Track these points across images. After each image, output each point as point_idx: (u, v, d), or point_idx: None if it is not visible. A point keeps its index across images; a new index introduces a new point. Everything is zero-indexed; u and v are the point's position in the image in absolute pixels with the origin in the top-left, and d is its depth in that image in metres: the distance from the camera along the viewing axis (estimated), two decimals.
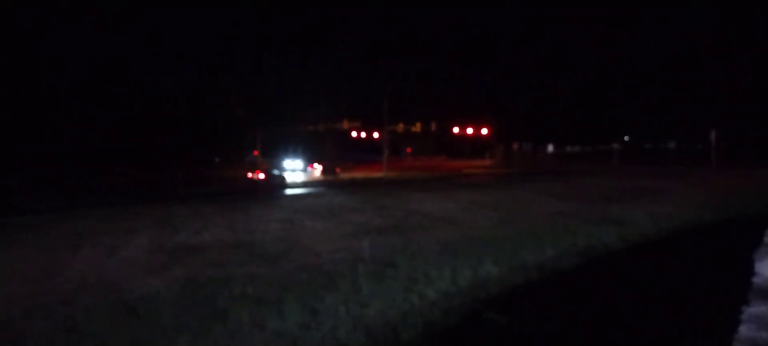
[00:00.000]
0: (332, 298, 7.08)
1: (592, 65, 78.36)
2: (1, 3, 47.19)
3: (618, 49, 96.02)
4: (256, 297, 7.08)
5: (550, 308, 7.57)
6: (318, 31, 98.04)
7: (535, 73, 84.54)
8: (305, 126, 62.04)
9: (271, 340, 5.96)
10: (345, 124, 58.34)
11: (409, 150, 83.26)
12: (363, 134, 60.05)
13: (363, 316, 6.55)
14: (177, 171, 33.11)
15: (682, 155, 51.23)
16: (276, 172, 39.37)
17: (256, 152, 52.39)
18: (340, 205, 15.45)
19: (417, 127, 57.56)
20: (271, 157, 48.49)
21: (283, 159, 45.88)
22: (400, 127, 57.51)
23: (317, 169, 48.40)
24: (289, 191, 25.73)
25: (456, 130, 68.23)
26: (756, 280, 8.56)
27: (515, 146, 70.82)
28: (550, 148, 63.03)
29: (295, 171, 40.01)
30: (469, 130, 66.77)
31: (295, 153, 50.95)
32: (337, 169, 49.13)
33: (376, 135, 56.39)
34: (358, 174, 47.17)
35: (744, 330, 6.26)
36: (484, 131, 67.82)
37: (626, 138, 75.55)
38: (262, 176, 37.42)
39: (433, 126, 57.68)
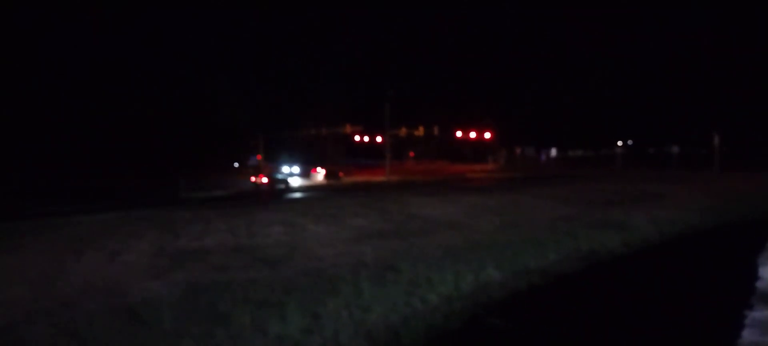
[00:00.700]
0: (334, 302, 7.06)
1: (595, 70, 78.34)
2: (1, 4, 47.41)
3: (621, 53, 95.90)
4: (258, 301, 7.06)
5: (553, 313, 7.55)
6: (320, 35, 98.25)
7: (538, 77, 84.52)
8: (308, 130, 62.08)
9: (273, 344, 5.95)
10: (347, 129, 58.36)
11: (411, 154, 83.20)
12: (365, 138, 60.05)
13: (365, 320, 6.53)
14: (179, 175, 33.16)
15: (685, 159, 51.12)
16: (279, 176, 39.48)
17: (259, 156, 52.47)
18: (342, 209, 15.43)
19: (419, 131, 57.53)
20: (272, 162, 48.43)
21: (279, 164, 45.89)
22: (403, 131, 57.48)
23: (320, 174, 48.45)
24: (291, 195, 25.73)
25: (458, 134, 68.18)
26: (759, 284, 8.52)
27: (518, 150, 70.72)
28: (553, 152, 62.93)
29: (291, 176, 40.06)
30: (472, 134, 66.71)
31: (291, 158, 50.78)
32: (340, 174, 49.15)
33: (378, 139, 56.38)
34: (361, 178, 47.17)
35: (747, 334, 6.23)
36: (487, 135, 67.75)
37: (629, 142, 75.43)
38: (265, 180, 37.49)
39: (436, 130, 57.63)
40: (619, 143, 64.06)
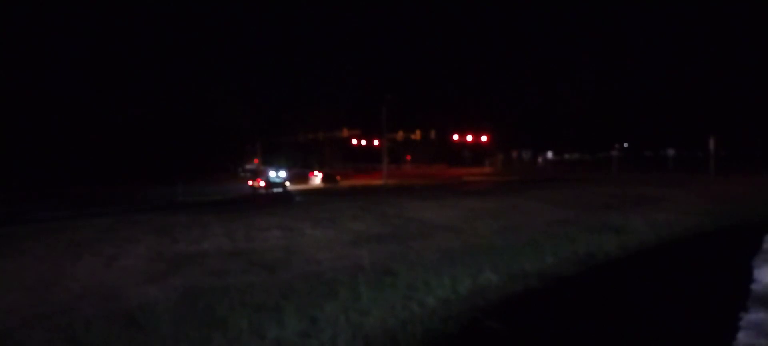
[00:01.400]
0: (332, 306, 7.07)
1: (592, 74, 78.69)
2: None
3: (617, 57, 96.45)
4: (256, 305, 7.07)
5: (550, 316, 7.57)
6: (318, 40, 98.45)
7: (535, 82, 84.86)
8: (305, 134, 62.17)
9: None
10: (344, 133, 58.48)
11: (408, 158, 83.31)
12: (363, 142, 60.15)
13: (362, 324, 6.54)
14: (176, 179, 33.11)
15: (681, 163, 51.29)
16: (276, 179, 39.55)
17: (256, 160, 52.50)
18: (339, 213, 15.45)
19: (416, 135, 57.68)
20: (265, 166, 48.32)
21: (266, 168, 45.71)
22: (400, 135, 57.63)
23: (317, 177, 48.46)
24: (289, 200, 25.73)
25: (455, 137, 68.35)
26: (755, 287, 8.56)
27: (515, 154, 70.92)
28: (549, 155, 63.09)
29: (278, 180, 40.03)
30: (469, 138, 66.87)
31: (278, 162, 50.37)
32: (338, 177, 49.18)
33: (375, 143, 56.46)
34: (358, 182, 47.19)
35: (742, 337, 6.27)
36: (484, 139, 67.93)
37: (625, 145, 75.70)
38: (263, 184, 37.52)
39: (433, 134, 57.83)
40: (616, 146, 64.28)
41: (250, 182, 39.57)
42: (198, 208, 20.16)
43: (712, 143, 36.98)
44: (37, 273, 8.67)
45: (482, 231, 13.41)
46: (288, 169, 51.34)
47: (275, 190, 35.85)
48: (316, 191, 35.87)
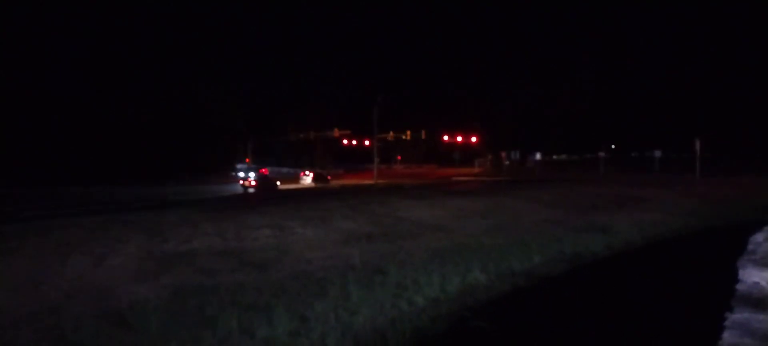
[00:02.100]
0: (322, 305, 7.11)
1: (580, 76, 79.34)
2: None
3: (605, 60, 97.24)
4: (246, 305, 7.09)
5: (537, 316, 7.67)
6: (309, 40, 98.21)
7: (524, 84, 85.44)
8: (297, 134, 62.05)
9: None
10: (336, 133, 58.46)
11: (399, 158, 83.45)
12: (354, 142, 60.15)
13: (352, 323, 6.59)
14: (167, 178, 32.89)
15: (667, 164, 51.86)
16: (245, 177, 39.75)
17: (247, 160, 52.33)
18: (330, 212, 15.47)
19: (407, 136, 57.81)
20: (239, 166, 47.79)
21: (237, 169, 45.22)
22: (391, 135, 57.75)
23: (308, 177, 48.38)
24: (279, 199, 25.66)
25: (446, 138, 68.59)
26: (740, 287, 8.71)
27: (504, 155, 71.21)
28: (538, 156, 63.51)
29: (247, 179, 39.93)
30: (459, 139, 67.14)
31: (248, 162, 49.70)
32: (328, 177, 49.15)
33: (366, 143, 56.49)
34: (349, 181, 47.19)
35: (727, 336, 6.39)
36: (474, 140, 68.23)
37: (612, 146, 76.40)
38: (253, 183, 37.47)
39: (423, 134, 57.99)
40: (603, 148, 64.88)
41: (241, 182, 39.51)
42: (188, 207, 20.07)
43: (697, 145, 37.44)
44: (26, 272, 8.61)
45: (471, 230, 13.51)
46: (278, 168, 51.07)
47: (248, 188, 36.29)
48: (307, 191, 35.83)
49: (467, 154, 78.12)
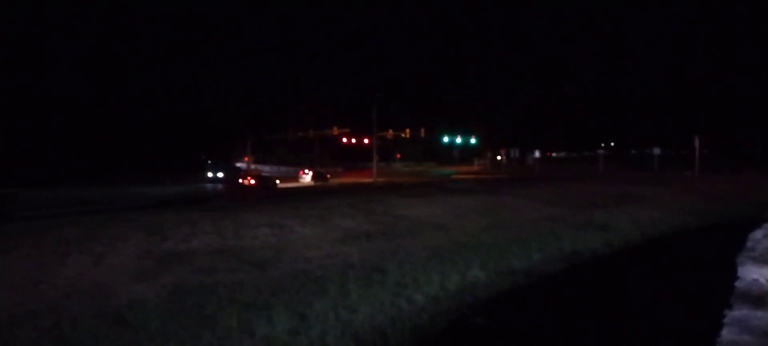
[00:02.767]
0: (321, 303, 7.11)
1: (579, 75, 79.38)
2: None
3: (605, 60, 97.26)
4: (245, 303, 7.08)
5: (537, 313, 7.67)
6: (308, 38, 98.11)
7: (524, 83, 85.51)
8: (296, 132, 61.97)
9: None
10: (335, 131, 58.39)
11: (398, 156, 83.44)
12: (353, 140, 60.10)
13: (352, 321, 6.59)
14: (166, 177, 32.83)
15: (667, 161, 51.90)
16: (214, 177, 39.04)
17: (247, 159, 52.29)
18: (329, 210, 15.45)
19: (406, 134, 57.75)
20: (210, 164, 46.56)
21: (206, 169, 43.96)
22: (390, 133, 57.67)
23: (307, 175, 48.38)
24: (279, 197, 25.65)
25: (445, 137, 68.52)
26: (739, 284, 8.72)
27: (503, 153, 71.19)
28: (537, 154, 63.54)
29: (217, 180, 39.00)
30: (458, 137, 67.08)
31: (217, 161, 48.15)
32: (328, 175, 49.15)
33: (365, 141, 56.45)
34: (348, 180, 47.18)
35: (726, 333, 6.39)
36: (473, 138, 68.18)
37: (611, 144, 76.43)
38: (253, 181, 37.46)
39: (422, 132, 57.90)
40: (602, 145, 64.91)
41: (241, 180, 39.48)
42: (187, 205, 20.05)
43: (697, 142, 37.47)
44: (25, 271, 8.60)
45: (470, 228, 13.51)
46: (277, 166, 50.84)
47: (216, 186, 35.82)
48: (306, 189, 35.82)
49: (467, 152, 78.11)
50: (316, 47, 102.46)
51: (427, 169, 72.52)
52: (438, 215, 15.46)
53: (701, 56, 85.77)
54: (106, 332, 6.12)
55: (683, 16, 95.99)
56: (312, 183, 45.20)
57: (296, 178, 48.87)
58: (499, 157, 71.85)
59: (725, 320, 6.85)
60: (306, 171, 49.77)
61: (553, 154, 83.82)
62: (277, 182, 41.02)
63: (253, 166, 48.93)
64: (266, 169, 55.58)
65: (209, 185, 38.50)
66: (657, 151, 49.34)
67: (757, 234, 12.37)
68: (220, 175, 41.48)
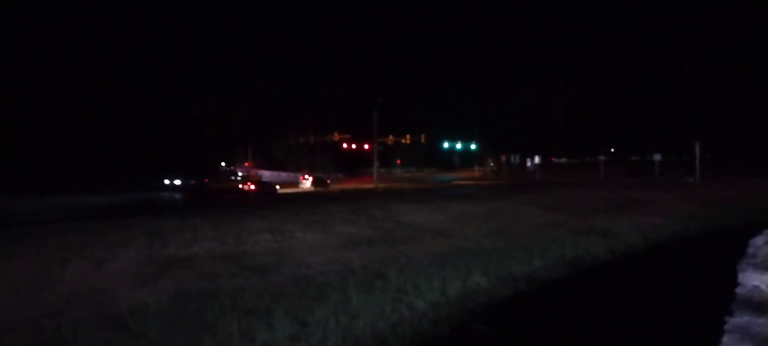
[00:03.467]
0: (322, 309, 7.10)
1: (580, 77, 79.49)
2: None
3: (605, 61, 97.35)
4: (246, 309, 7.07)
5: (538, 319, 7.65)
6: (309, 44, 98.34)
7: (524, 85, 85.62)
8: (296, 138, 62.03)
9: None
10: (335, 136, 58.47)
11: (399, 162, 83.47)
12: (353, 146, 60.14)
13: (352, 327, 6.58)
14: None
15: (667, 167, 51.89)
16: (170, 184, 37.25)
17: (247, 164, 52.37)
18: (330, 216, 15.45)
19: (407, 140, 57.81)
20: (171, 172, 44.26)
21: (164, 175, 40.65)
22: (390, 139, 57.74)
23: (308, 181, 48.41)
24: (279, 203, 25.66)
25: (445, 142, 68.59)
26: (739, 290, 8.71)
27: (503, 158, 71.22)
28: (538, 160, 63.53)
29: (174, 188, 36.55)
30: (458, 143, 67.14)
31: (174, 168, 43.93)
32: (328, 181, 49.16)
33: (366, 147, 56.49)
34: (349, 185, 47.18)
35: (727, 340, 6.38)
36: (473, 144, 68.23)
37: (612, 150, 76.45)
38: (253, 187, 37.49)
39: (423, 138, 57.95)
40: (603, 151, 64.93)
41: (241, 185, 39.53)
42: (188, 211, 20.05)
43: (697, 148, 37.45)
44: (25, 277, 8.59)
45: (471, 234, 13.49)
46: (277, 172, 50.69)
47: (173, 194, 34.53)
48: (306, 195, 35.82)
49: (467, 158, 78.12)
50: (317, 51, 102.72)
51: (428, 174, 72.54)
52: (439, 221, 15.45)
53: (702, 59, 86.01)
54: (107, 338, 6.11)
55: (684, 17, 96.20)
56: (312, 189, 45.22)
57: (296, 183, 48.89)
58: (496, 163, 71.85)
59: (726, 327, 6.84)
60: (306, 176, 49.81)
61: (554, 160, 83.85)
62: (277, 187, 41.04)
63: (253, 172, 48.95)
64: (266, 175, 55.60)
65: (166, 193, 35.34)
66: (658, 156, 49.31)
67: (758, 240, 12.33)
68: (177, 182, 39.51)
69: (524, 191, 28.66)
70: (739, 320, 7.05)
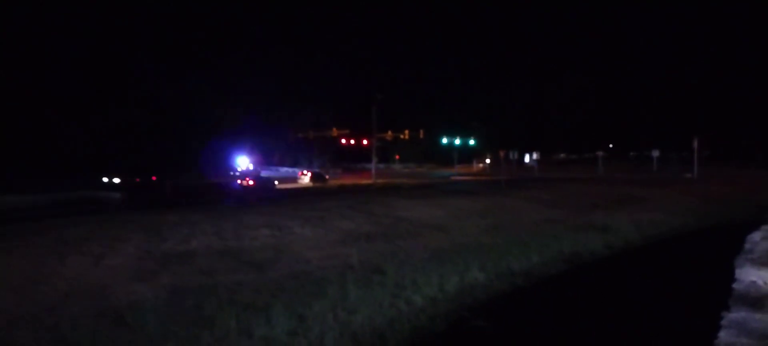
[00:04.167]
0: (320, 305, 7.11)
1: (580, 76, 79.45)
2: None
3: (605, 60, 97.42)
4: (244, 304, 7.08)
5: (536, 315, 7.68)
6: (307, 39, 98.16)
7: (523, 83, 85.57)
8: (295, 133, 62.00)
9: None
10: (334, 132, 58.46)
11: (397, 157, 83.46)
12: (352, 142, 60.13)
13: (350, 322, 6.59)
14: (165, 179, 32.58)
15: (666, 163, 51.95)
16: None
17: (244, 159, 52.26)
18: (328, 212, 15.44)
19: (405, 135, 57.80)
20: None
21: (102, 174, 37.45)
22: (389, 134, 57.75)
23: (306, 177, 48.39)
24: (278, 199, 25.68)
25: (444, 138, 68.61)
26: (736, 286, 8.74)
27: (502, 154, 71.29)
28: (536, 156, 63.56)
29: (112, 188, 34.15)
30: (457, 139, 67.16)
31: (111, 166, 40.64)
32: (326, 176, 49.15)
33: (365, 142, 56.49)
34: (347, 181, 47.16)
35: (724, 335, 6.41)
36: (472, 140, 68.28)
37: (610, 146, 76.52)
38: (251, 182, 37.48)
39: (421, 134, 57.94)
40: (602, 147, 64.99)
41: (239, 181, 39.50)
42: (187, 206, 20.03)
43: (696, 144, 37.49)
44: (24, 272, 8.58)
45: (470, 230, 13.50)
46: (276, 167, 50.62)
47: (109, 194, 33.09)
48: (305, 190, 35.81)
49: (466, 153, 78.15)
50: (316, 47, 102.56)
51: (427, 170, 72.56)
52: (437, 217, 15.45)
53: (701, 57, 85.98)
54: (106, 333, 6.11)
55: (684, 17, 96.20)
56: (311, 184, 45.18)
57: (295, 179, 48.86)
58: (494, 158, 71.88)
59: (723, 322, 6.86)
60: (305, 172, 49.78)
61: (553, 156, 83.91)
62: (276, 183, 41.02)
63: (251, 168, 48.90)
64: (265, 171, 55.59)
65: (102, 193, 31.75)
66: (656, 152, 49.35)
67: (756, 236, 12.37)
68: (117, 180, 36.19)
69: (523, 186, 28.67)
70: (735, 315, 7.07)
